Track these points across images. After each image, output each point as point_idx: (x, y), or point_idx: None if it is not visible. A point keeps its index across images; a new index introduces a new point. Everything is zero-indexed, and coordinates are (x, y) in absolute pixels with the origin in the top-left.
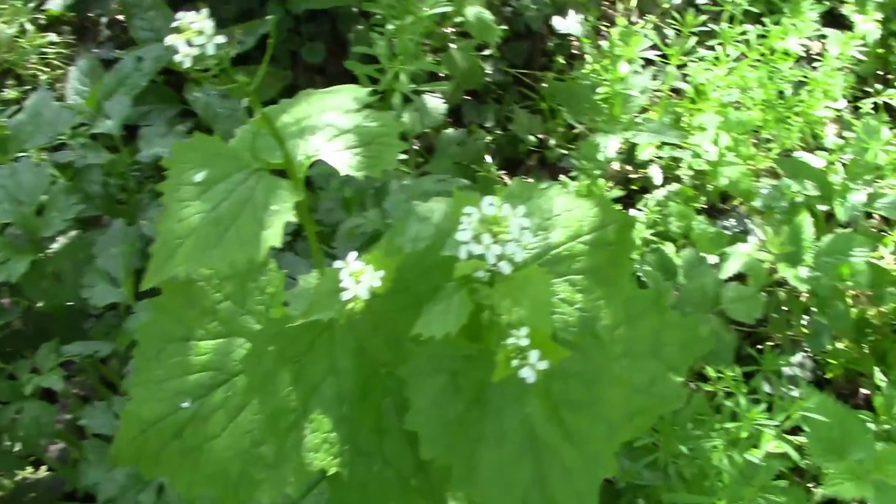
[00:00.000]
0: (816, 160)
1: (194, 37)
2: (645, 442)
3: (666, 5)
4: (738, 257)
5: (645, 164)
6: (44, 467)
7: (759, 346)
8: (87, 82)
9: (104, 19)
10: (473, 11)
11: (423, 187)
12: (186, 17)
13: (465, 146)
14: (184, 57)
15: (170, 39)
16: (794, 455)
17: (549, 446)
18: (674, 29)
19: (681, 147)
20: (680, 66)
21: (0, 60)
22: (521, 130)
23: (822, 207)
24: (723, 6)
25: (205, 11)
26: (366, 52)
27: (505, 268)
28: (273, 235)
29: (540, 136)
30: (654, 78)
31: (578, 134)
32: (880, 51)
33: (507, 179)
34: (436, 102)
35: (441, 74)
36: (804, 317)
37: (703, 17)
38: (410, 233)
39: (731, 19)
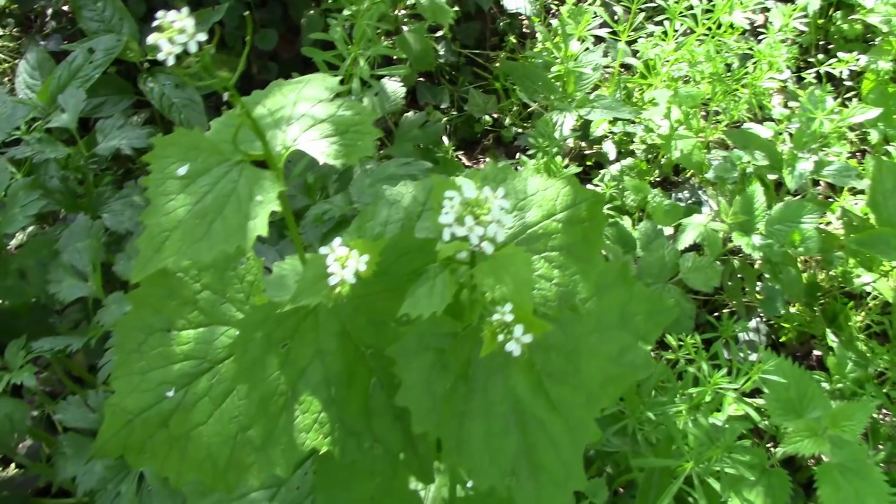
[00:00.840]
0: (764, 131)
1: (176, 35)
2: (612, 410)
3: None
4: (694, 228)
5: (599, 140)
6: (12, 465)
7: (717, 314)
8: (36, 76)
9: (49, 11)
10: None
11: (387, 171)
12: (167, 15)
13: (426, 129)
14: (166, 55)
15: (152, 38)
16: (755, 416)
17: (535, 417)
18: (622, 6)
19: (633, 122)
20: (630, 43)
21: None
22: (476, 111)
23: (772, 176)
24: None
25: (185, 10)
26: (323, 39)
27: (487, 248)
28: (259, 225)
29: (495, 115)
30: (605, 55)
31: (533, 112)
32: (821, 21)
33: (464, 160)
34: (394, 86)
35: (395, 59)
36: (758, 283)
37: None
38: (381, 217)
39: None
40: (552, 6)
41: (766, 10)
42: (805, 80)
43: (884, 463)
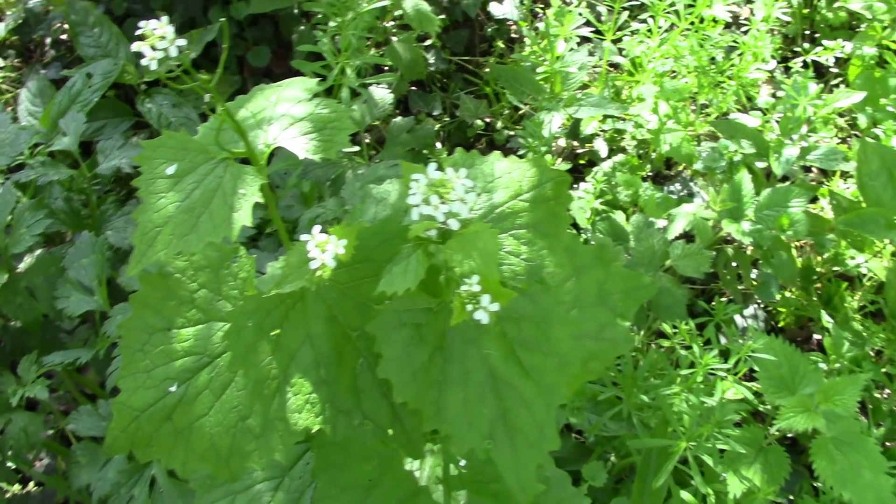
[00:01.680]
0: (751, 120)
1: (158, 41)
2: (608, 395)
3: None
4: (684, 217)
5: (590, 139)
6: (31, 483)
7: (713, 303)
8: (38, 102)
9: (48, 40)
10: (411, 4)
11: (377, 173)
12: (149, 24)
13: (415, 132)
14: (149, 60)
15: (135, 46)
16: (750, 396)
17: (508, 383)
18: (606, 6)
19: (623, 119)
20: (615, 41)
21: None
22: (468, 115)
23: (761, 164)
24: None
25: (165, 18)
26: (311, 51)
27: (453, 224)
28: (244, 216)
29: (487, 119)
30: (592, 54)
31: (524, 114)
32: (805, 11)
33: None
34: (382, 93)
35: (385, 68)
36: (753, 270)
37: None
38: (368, 214)
39: None
40: (538, 10)
41: (751, 2)
42: (792, 70)
43: (885, 439)
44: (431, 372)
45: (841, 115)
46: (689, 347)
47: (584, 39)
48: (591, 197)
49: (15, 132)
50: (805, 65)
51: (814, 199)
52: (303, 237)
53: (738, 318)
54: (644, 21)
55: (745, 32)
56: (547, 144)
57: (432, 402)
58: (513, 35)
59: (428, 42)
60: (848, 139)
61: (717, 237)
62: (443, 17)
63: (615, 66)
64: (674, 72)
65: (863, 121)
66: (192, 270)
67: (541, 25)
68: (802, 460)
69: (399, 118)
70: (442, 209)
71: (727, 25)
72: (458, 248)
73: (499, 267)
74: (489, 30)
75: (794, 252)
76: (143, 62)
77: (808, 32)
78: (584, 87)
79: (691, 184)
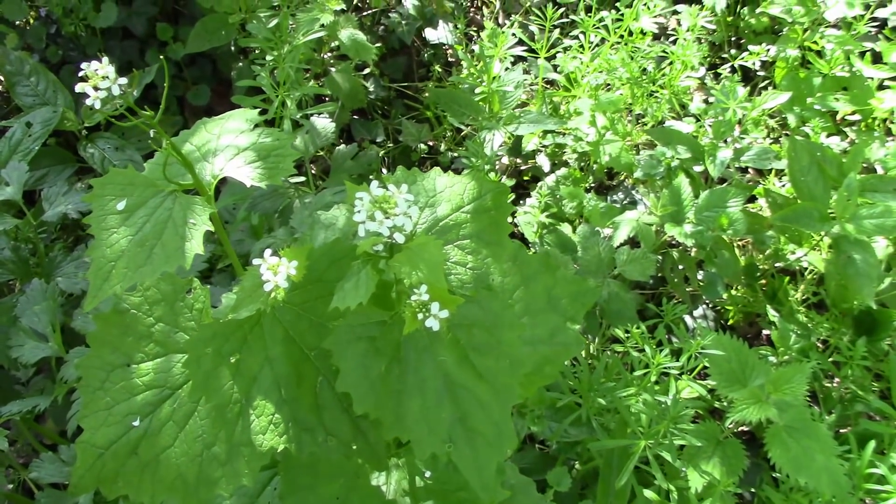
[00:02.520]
0: (686, 126)
1: (100, 81)
2: (567, 401)
3: (528, 4)
4: (627, 224)
5: (532, 155)
6: None
7: (663, 307)
8: None
9: None
10: (347, 34)
11: (324, 200)
12: (91, 65)
13: (359, 159)
14: (93, 100)
15: (79, 87)
16: (703, 392)
17: (464, 386)
18: (538, 25)
19: (563, 133)
20: (549, 59)
21: None
22: (411, 140)
23: (698, 168)
24: None
25: (105, 59)
26: (251, 85)
27: (399, 238)
28: (196, 245)
29: (430, 143)
30: (527, 72)
31: (465, 135)
32: (729, 18)
33: None
34: (324, 123)
35: (326, 98)
36: (699, 272)
37: (562, 10)
38: (318, 239)
39: (589, 9)
40: (472, 33)
41: (677, 13)
42: (721, 76)
43: (837, 426)
44: (389, 382)
45: (771, 117)
46: (642, 350)
47: (519, 59)
48: (537, 211)
49: None
50: (733, 70)
51: (752, 199)
52: (255, 261)
53: (688, 319)
54: (576, 37)
55: (674, 42)
56: (490, 163)
57: (392, 411)
58: (449, 59)
59: (366, 71)
60: (780, 139)
61: (661, 241)
62: (379, 45)
63: (551, 82)
64: (608, 84)
65: (792, 120)
66: (147, 305)
67: (476, 48)
68: (761, 454)
69: (342, 146)
70: (387, 224)
71: (655, 37)
72: (405, 260)
73: (446, 277)
74: (426, 55)
75: (736, 251)
76: (88, 102)
77: (733, 39)
78: (523, 104)
79: (633, 192)
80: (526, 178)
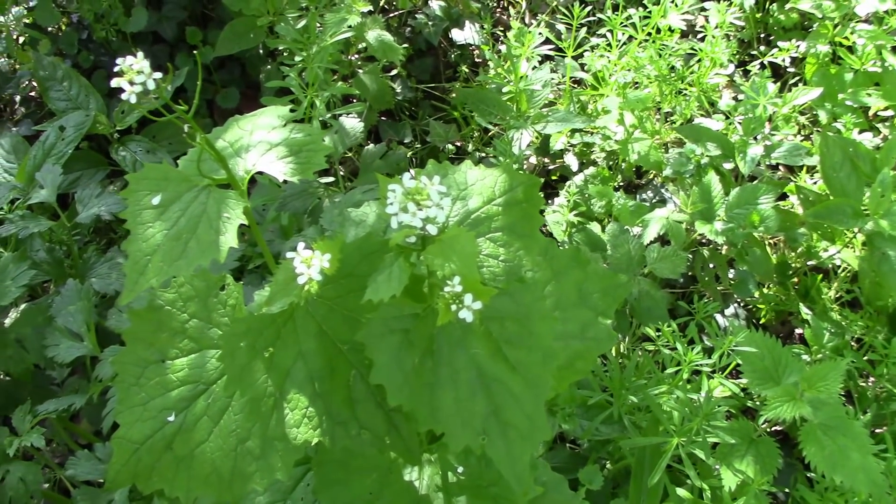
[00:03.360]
0: (715, 124)
1: (135, 76)
2: (598, 399)
3: (554, 3)
4: (657, 221)
5: (560, 154)
6: None
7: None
8: (12, 159)
9: (18, 98)
10: (374, 35)
11: (354, 199)
12: (126, 60)
13: (387, 158)
14: (129, 94)
15: (115, 82)
16: (736, 390)
17: (497, 379)
18: (564, 24)
19: (590, 132)
20: (576, 58)
21: None
22: (438, 140)
23: (728, 166)
24: None
25: (140, 54)
26: (279, 86)
27: (431, 229)
28: (230, 239)
29: (457, 143)
30: (554, 71)
31: (493, 135)
32: (758, 15)
33: None
34: (353, 123)
35: (353, 100)
36: (730, 270)
37: (589, 8)
38: (349, 236)
39: (616, 7)
40: (499, 33)
41: (705, 10)
42: (751, 73)
43: (872, 425)
44: (422, 374)
45: (802, 113)
46: (673, 348)
47: (546, 58)
48: (566, 210)
49: None
50: (762, 66)
51: (783, 196)
52: (288, 255)
53: (719, 317)
54: (603, 36)
55: (702, 39)
56: (518, 162)
57: (425, 404)
58: (476, 59)
59: (394, 72)
60: (811, 136)
61: (691, 239)
62: (406, 46)
63: (578, 81)
64: (636, 82)
65: (823, 116)
66: (181, 301)
67: (503, 48)
68: (795, 454)
69: (371, 146)
70: (420, 215)
71: (683, 34)
72: (437, 252)
73: (479, 269)
74: (453, 56)
75: (767, 249)
76: (124, 96)
77: (762, 35)
78: (550, 104)
79: (662, 190)
80: (554, 177)
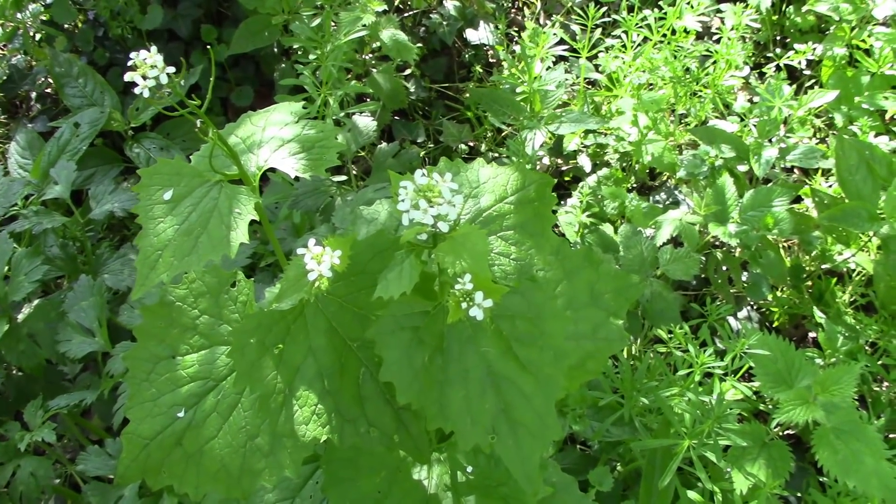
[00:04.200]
0: (730, 126)
1: (149, 70)
2: (609, 401)
3: (569, 4)
4: (670, 223)
5: (574, 155)
6: None
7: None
8: (27, 155)
9: (34, 94)
10: (388, 34)
11: (365, 197)
12: (140, 54)
13: (400, 157)
14: (142, 88)
15: (128, 76)
16: (749, 393)
17: (507, 377)
18: (579, 24)
19: (604, 133)
20: (591, 58)
21: None
22: (451, 141)
23: (742, 168)
24: None
25: (153, 48)
26: (293, 84)
27: (443, 227)
28: (241, 234)
29: (470, 143)
30: (568, 72)
31: (506, 135)
32: (775, 17)
33: None
34: (366, 121)
35: (367, 99)
36: (744, 274)
37: (604, 9)
38: (360, 234)
39: (631, 8)
40: (513, 33)
41: (721, 12)
42: (767, 75)
43: (886, 430)
44: (432, 372)
45: (818, 116)
46: (685, 350)
47: (560, 58)
48: (579, 211)
49: (7, 184)
50: (778, 69)
51: (798, 199)
52: (299, 251)
53: (732, 321)
54: (618, 37)
55: (718, 41)
56: (531, 162)
57: (435, 402)
58: (490, 59)
59: (408, 72)
60: (826, 139)
61: (704, 241)
62: (420, 46)
63: (592, 82)
64: (650, 84)
65: (839, 119)
66: (192, 298)
67: (517, 48)
68: (808, 458)
69: (384, 145)
70: (431, 212)
71: (699, 36)
72: (449, 250)
73: (490, 268)
74: (467, 56)
75: (781, 252)
76: (137, 90)
77: (779, 38)
78: (564, 104)
79: (676, 192)
80: (567, 178)
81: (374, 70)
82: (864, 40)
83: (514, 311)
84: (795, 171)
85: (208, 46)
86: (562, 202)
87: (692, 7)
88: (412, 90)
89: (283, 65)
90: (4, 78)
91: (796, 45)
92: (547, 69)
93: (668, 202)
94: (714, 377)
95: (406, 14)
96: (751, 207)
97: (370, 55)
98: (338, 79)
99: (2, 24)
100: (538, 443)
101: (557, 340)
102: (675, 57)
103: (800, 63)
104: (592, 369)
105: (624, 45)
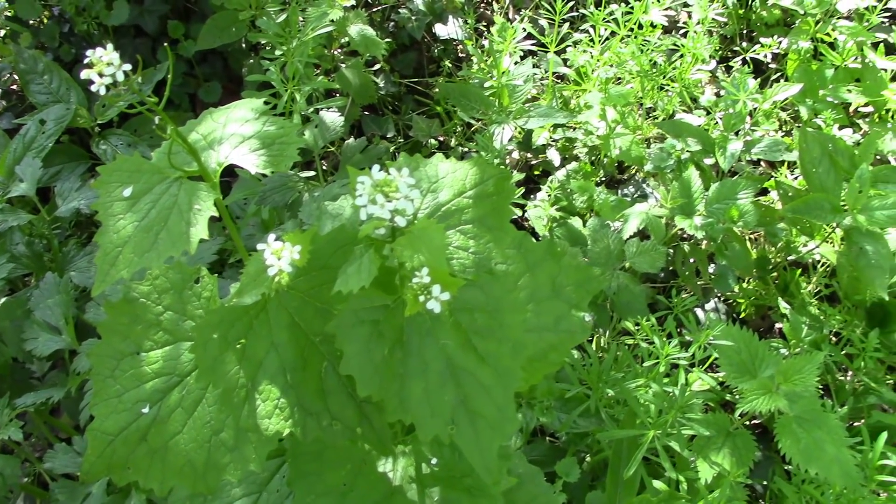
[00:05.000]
0: (696, 119)
1: (105, 68)
2: (576, 392)
3: None
4: (636, 216)
5: (543, 149)
6: None
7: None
8: None
9: None
10: (356, 29)
11: (332, 192)
12: (96, 52)
13: (368, 152)
14: (98, 86)
15: (84, 74)
16: (713, 383)
17: (466, 370)
18: (547, 19)
19: (573, 127)
20: (559, 53)
21: None
22: (421, 135)
23: (709, 161)
24: None
25: (110, 46)
26: (260, 80)
27: (400, 221)
28: (201, 230)
29: (440, 138)
30: (537, 67)
31: (476, 130)
32: (741, 11)
33: None
34: (333, 116)
35: (336, 95)
36: (710, 266)
37: (572, 4)
38: (325, 229)
39: (598, 2)
40: (482, 28)
41: (688, 6)
42: (733, 69)
43: (850, 419)
44: (392, 365)
45: (783, 109)
46: (652, 342)
47: (529, 53)
48: (548, 205)
49: None
50: (744, 62)
51: (764, 192)
52: (259, 246)
53: (699, 312)
54: (585, 31)
55: (684, 35)
56: (500, 156)
57: (395, 394)
58: (459, 54)
59: (377, 67)
60: (792, 131)
61: (671, 234)
62: (389, 41)
63: (561, 77)
64: (618, 78)
65: (804, 112)
66: (156, 294)
67: (486, 43)
68: (773, 447)
69: (352, 140)
70: (388, 207)
71: (666, 30)
72: (406, 244)
73: (448, 262)
74: (436, 51)
75: (747, 244)
76: (93, 88)
77: (745, 32)
78: (533, 99)
79: (644, 185)
80: (536, 172)
81: (343, 65)
82: (828, 34)
83: (472, 305)
84: (762, 163)
85: (175, 43)
86: (531, 196)
87: (658, 1)
88: (381, 85)
89: (252, 61)
90: None
91: (762, 39)
92: (515, 64)
93: (636, 195)
94: (679, 369)
95: (375, 9)
96: (716, 200)
97: (339, 51)
98: (305, 74)
99: None
100: (497, 433)
101: (516, 333)
102: (643, 51)
103: (765, 57)
104: (555, 360)
105: (592, 40)
